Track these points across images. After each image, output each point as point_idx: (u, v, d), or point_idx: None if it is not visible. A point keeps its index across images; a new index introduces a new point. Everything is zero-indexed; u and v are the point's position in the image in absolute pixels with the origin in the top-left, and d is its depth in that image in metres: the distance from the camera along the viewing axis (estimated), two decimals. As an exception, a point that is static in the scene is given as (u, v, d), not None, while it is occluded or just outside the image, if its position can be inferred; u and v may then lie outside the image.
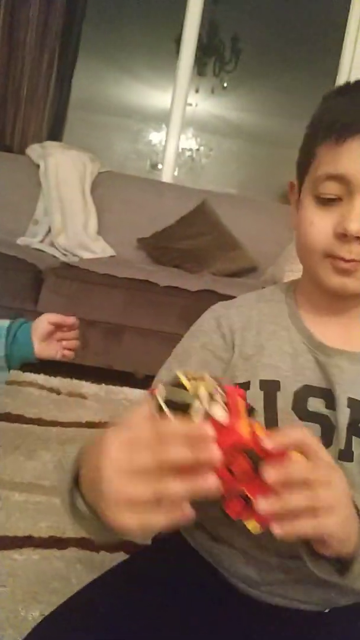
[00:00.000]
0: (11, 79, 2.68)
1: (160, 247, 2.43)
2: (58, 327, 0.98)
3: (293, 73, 3.69)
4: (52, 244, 2.39)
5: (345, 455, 0.60)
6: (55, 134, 2.81)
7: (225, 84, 3.88)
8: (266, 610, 0.63)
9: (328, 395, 0.62)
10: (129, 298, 2.06)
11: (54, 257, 2.31)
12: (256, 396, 0.62)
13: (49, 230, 2.44)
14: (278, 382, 0.63)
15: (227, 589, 0.65)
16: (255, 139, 4.30)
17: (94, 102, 3.72)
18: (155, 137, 4.58)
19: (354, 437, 0.60)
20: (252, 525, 0.43)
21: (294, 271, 2.12)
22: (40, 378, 1.91)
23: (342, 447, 0.60)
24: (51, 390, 1.85)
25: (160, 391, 0.42)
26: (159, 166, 3.36)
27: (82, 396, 1.86)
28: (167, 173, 2.96)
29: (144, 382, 2.11)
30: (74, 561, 1.00)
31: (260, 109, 4.16)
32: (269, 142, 4.17)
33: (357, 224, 0.57)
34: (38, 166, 2.51)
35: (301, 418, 0.61)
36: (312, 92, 3.34)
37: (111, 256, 2.42)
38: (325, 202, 0.60)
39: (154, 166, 3.83)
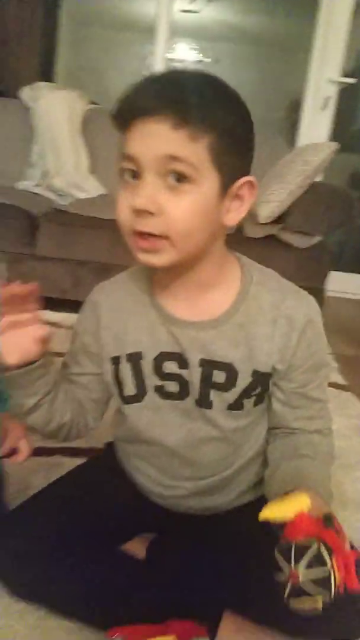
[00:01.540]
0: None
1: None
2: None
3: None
4: (48, 187, 2.54)
5: (201, 404, 0.79)
6: (46, 72, 2.83)
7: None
8: (173, 516, 0.89)
9: (180, 358, 0.78)
10: (115, 239, 2.21)
11: (50, 199, 2.47)
12: (126, 367, 0.80)
13: (45, 173, 2.57)
14: (140, 352, 0.79)
15: (143, 499, 0.90)
16: (264, 42, 4.04)
17: (88, 20, 3.60)
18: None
19: (212, 391, 0.78)
20: None
21: (269, 202, 2.19)
22: (46, 313, 2.11)
23: (197, 397, 0.79)
24: (52, 325, 2.07)
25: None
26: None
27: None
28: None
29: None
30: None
31: (264, 9, 3.89)
32: (276, 45, 3.92)
33: (141, 199, 0.64)
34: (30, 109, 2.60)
35: (161, 378, 0.79)
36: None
37: (102, 195, 2.53)
38: (125, 180, 0.67)
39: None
